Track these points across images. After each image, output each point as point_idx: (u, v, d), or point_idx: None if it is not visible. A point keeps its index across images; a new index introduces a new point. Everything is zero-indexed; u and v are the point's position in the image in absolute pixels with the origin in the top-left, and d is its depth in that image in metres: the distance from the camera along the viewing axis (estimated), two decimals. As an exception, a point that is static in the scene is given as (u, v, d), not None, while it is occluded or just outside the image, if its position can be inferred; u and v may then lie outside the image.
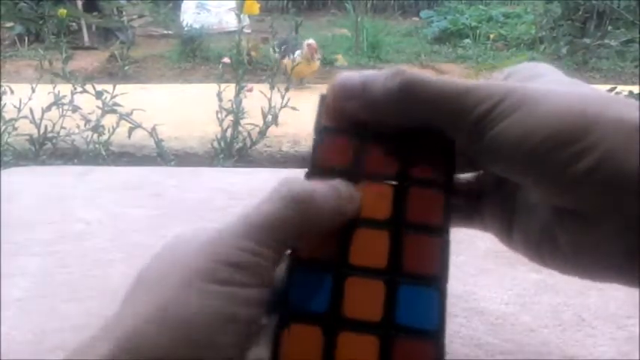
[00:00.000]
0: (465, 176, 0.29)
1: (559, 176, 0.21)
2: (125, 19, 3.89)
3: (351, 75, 0.26)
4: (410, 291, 0.23)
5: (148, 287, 0.22)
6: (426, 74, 0.25)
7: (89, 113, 1.86)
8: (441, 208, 0.25)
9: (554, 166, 0.21)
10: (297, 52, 2.88)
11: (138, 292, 0.23)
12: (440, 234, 0.25)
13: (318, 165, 0.26)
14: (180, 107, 2.73)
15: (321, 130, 0.26)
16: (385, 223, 0.25)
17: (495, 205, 0.28)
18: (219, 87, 1.87)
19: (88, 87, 1.80)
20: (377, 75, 0.25)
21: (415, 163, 0.26)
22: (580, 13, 3.58)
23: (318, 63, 3.12)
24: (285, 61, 2.52)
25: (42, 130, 1.84)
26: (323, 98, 0.27)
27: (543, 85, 0.24)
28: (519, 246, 0.27)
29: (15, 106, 1.81)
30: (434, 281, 0.24)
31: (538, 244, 0.25)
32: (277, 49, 2.67)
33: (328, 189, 0.24)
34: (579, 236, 0.23)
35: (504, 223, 0.27)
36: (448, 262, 0.24)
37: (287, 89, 1.91)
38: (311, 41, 2.98)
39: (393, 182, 0.25)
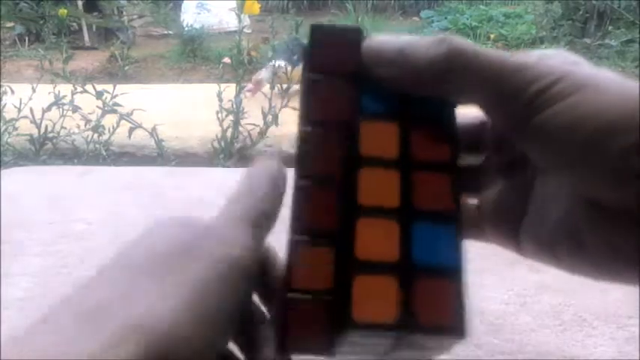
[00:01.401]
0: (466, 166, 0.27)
1: (614, 168, 0.19)
2: (125, 19, 3.89)
3: (385, 39, 0.24)
4: (424, 228, 0.23)
5: (162, 274, 0.20)
6: (472, 43, 0.22)
7: (89, 113, 1.86)
8: (447, 143, 0.24)
9: (611, 155, 0.19)
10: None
11: (145, 276, 0.21)
12: (448, 169, 0.24)
13: (313, 118, 0.25)
14: (180, 107, 2.73)
15: (309, 84, 0.25)
16: (393, 162, 0.24)
17: (501, 203, 0.26)
18: (220, 87, 1.87)
19: (89, 87, 1.80)
20: (417, 41, 0.23)
21: (413, 101, 0.24)
22: (580, 13, 3.58)
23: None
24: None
25: (42, 130, 1.84)
26: (305, 50, 0.26)
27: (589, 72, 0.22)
28: (528, 245, 0.24)
29: (15, 106, 1.81)
30: (447, 217, 0.23)
31: (553, 241, 0.23)
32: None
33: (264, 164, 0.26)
34: (613, 233, 0.20)
35: (510, 222, 0.25)
36: (460, 198, 0.24)
37: (287, 89, 1.90)
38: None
39: (396, 122, 0.24)
